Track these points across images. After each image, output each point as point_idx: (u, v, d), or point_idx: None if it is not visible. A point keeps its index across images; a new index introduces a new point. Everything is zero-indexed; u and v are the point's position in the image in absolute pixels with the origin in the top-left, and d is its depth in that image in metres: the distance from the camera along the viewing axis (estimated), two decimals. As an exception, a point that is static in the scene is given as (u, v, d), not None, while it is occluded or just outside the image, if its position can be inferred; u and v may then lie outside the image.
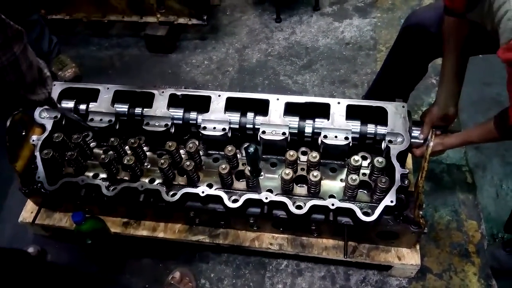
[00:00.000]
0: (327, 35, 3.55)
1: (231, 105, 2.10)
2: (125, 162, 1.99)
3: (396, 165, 1.84)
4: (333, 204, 1.82)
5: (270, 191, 1.96)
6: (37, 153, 2.03)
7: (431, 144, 1.73)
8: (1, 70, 1.20)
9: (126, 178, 2.08)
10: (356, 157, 1.92)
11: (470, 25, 1.73)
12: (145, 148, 2.18)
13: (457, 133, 1.93)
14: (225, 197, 1.89)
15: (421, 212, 1.82)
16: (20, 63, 1.26)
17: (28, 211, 2.26)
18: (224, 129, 2.04)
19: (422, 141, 1.96)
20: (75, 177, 2.02)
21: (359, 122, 2.02)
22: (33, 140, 2.07)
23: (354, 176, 1.86)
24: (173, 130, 2.11)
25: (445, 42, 1.86)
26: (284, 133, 2.00)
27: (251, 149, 1.74)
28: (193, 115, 2.14)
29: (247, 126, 2.09)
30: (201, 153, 2.13)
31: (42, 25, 3.07)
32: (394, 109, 1.98)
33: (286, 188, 1.96)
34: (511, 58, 1.23)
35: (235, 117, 2.09)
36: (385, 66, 2.44)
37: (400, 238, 1.95)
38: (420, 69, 2.30)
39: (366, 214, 1.81)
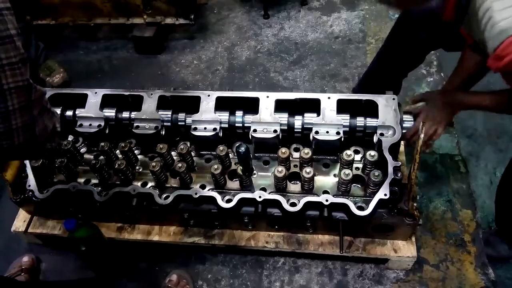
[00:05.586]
0: (316, 29, 3.54)
1: (221, 104, 2.08)
2: (116, 167, 1.97)
3: (388, 158, 1.84)
4: (327, 200, 1.81)
5: (263, 189, 1.95)
6: (26, 161, 2.01)
7: (422, 135, 1.72)
8: (13, 131, 1.10)
9: (118, 182, 2.06)
10: (349, 152, 1.91)
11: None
12: (136, 152, 2.16)
13: (466, 93, 1.94)
14: (218, 197, 1.88)
15: (415, 204, 1.81)
16: (36, 125, 1.17)
17: (21, 220, 2.24)
18: (215, 129, 2.03)
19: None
20: (66, 184, 2.00)
21: (350, 116, 2.01)
22: (22, 148, 2.04)
23: (347, 171, 1.85)
24: (163, 132, 2.09)
25: (458, 71, 1.99)
26: (275, 131, 1.98)
27: (242, 149, 1.73)
28: (183, 116, 2.12)
29: (238, 125, 2.08)
30: (193, 154, 2.11)
31: (27, 32, 3.04)
32: (384, 102, 1.97)
33: (280, 186, 1.95)
34: (501, 67, 1.23)
35: (225, 116, 2.07)
36: (381, 55, 2.44)
37: (395, 231, 1.94)
38: (417, 58, 2.30)
39: (360, 208, 1.81)
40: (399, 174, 1.83)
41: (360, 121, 2.00)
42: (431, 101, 1.99)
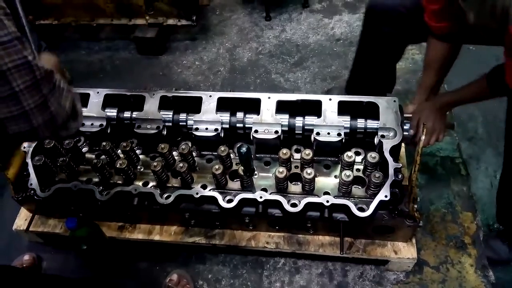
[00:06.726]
0: (317, 31, 3.55)
1: (223, 105, 2.09)
2: (117, 166, 1.98)
3: (389, 159, 1.84)
4: (327, 201, 1.81)
5: (264, 190, 1.96)
6: (28, 160, 2.02)
7: (423, 137, 1.73)
8: (27, 113, 1.09)
9: (119, 182, 2.07)
10: (350, 153, 1.92)
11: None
12: (137, 151, 2.17)
13: (449, 93, 1.98)
14: (219, 197, 1.89)
15: (415, 206, 1.81)
16: (49, 105, 1.14)
17: (22, 219, 2.24)
18: (216, 130, 2.03)
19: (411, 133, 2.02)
20: (68, 183, 2.01)
21: (351, 118, 2.02)
22: (24, 147, 2.05)
23: (348, 172, 1.86)
24: (165, 132, 2.10)
25: (427, 63, 2.02)
26: (276, 132, 1.99)
27: (243, 149, 1.74)
28: (184, 116, 2.12)
29: (239, 125, 2.09)
30: (194, 154, 2.12)
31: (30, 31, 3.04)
32: (385, 104, 1.98)
33: (281, 187, 1.95)
34: None
35: (227, 117, 2.08)
36: (357, 54, 2.44)
37: (395, 232, 1.95)
38: (392, 52, 2.31)
39: (361, 209, 1.81)
40: (399, 176, 1.83)
41: (361, 122, 2.01)
42: (422, 113, 2.00)
